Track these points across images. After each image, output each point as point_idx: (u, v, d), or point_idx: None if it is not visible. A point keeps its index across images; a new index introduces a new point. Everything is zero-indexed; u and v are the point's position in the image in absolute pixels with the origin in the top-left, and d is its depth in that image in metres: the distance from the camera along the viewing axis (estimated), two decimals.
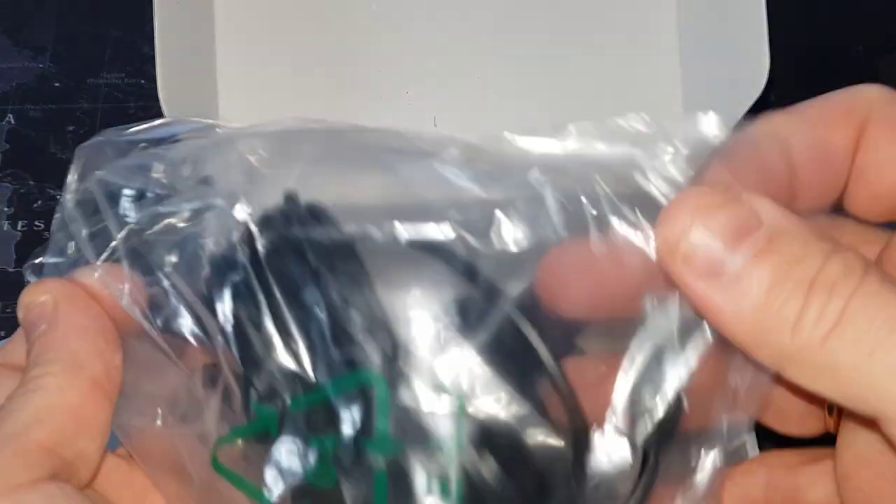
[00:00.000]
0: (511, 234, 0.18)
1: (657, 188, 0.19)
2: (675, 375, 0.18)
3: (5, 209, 0.60)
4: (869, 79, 0.68)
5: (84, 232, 0.20)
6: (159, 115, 0.40)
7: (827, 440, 0.21)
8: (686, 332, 0.18)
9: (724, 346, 0.18)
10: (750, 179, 0.18)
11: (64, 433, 0.19)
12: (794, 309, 0.16)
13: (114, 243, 0.19)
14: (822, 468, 0.20)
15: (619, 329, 0.18)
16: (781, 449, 0.22)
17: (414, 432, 0.17)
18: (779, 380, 0.18)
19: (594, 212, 0.18)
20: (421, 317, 0.18)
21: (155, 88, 0.39)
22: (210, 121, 0.20)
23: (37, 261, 0.20)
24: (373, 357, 0.17)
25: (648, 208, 0.18)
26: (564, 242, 0.19)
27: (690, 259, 0.16)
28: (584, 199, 0.18)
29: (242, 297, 0.18)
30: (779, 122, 0.20)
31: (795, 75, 0.66)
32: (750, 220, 0.16)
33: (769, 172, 0.19)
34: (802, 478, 0.21)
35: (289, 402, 0.17)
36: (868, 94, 0.20)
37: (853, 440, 0.18)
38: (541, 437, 0.17)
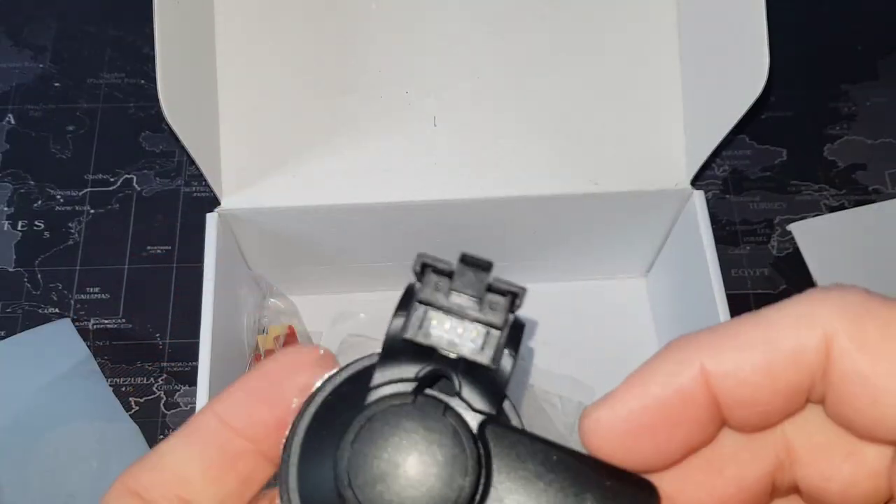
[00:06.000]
0: None
1: None
2: None
3: (5, 209, 0.60)
4: (869, 79, 0.68)
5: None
6: (159, 115, 0.39)
7: None
8: None
9: None
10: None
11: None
12: None
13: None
14: None
15: None
16: None
17: None
18: None
19: None
20: None
21: (155, 89, 0.39)
22: None
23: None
24: None
25: None
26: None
27: None
28: None
29: None
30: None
31: (795, 75, 0.66)
32: None
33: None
34: None
35: None
36: (824, 309, 0.17)
37: None
38: None
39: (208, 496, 0.18)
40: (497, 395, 0.17)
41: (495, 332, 0.17)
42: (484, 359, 0.17)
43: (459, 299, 0.18)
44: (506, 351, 0.18)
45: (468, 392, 0.17)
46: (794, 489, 0.18)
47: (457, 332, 0.17)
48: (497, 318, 0.17)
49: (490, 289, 0.17)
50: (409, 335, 0.17)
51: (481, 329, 0.17)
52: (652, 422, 0.17)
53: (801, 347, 0.16)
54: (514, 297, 0.18)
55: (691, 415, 0.17)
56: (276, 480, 0.18)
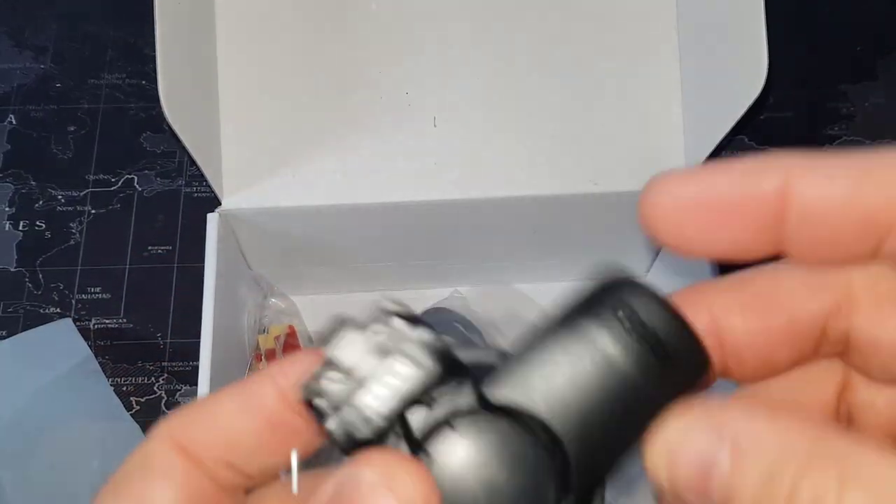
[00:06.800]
0: None
1: None
2: None
3: (7, 209, 0.60)
4: (868, 79, 0.68)
5: None
6: (160, 115, 0.40)
7: None
8: None
9: None
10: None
11: None
12: None
13: None
14: None
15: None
16: None
17: None
18: None
19: None
20: None
21: (156, 89, 0.39)
22: None
23: None
24: None
25: None
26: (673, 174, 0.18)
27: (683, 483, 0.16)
28: None
29: None
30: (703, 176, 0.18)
31: (795, 76, 0.66)
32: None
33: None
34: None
35: None
36: (782, 156, 0.17)
37: None
38: None
39: (255, 465, 0.18)
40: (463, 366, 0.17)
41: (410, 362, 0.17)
42: (431, 377, 0.17)
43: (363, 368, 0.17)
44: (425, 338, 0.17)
45: (441, 394, 0.17)
46: (843, 345, 0.18)
47: (394, 392, 0.17)
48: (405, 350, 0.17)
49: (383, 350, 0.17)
50: (360, 436, 0.16)
51: (404, 363, 0.17)
52: (714, 204, 0.17)
53: (892, 188, 0.16)
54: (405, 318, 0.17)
55: (753, 212, 0.17)
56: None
